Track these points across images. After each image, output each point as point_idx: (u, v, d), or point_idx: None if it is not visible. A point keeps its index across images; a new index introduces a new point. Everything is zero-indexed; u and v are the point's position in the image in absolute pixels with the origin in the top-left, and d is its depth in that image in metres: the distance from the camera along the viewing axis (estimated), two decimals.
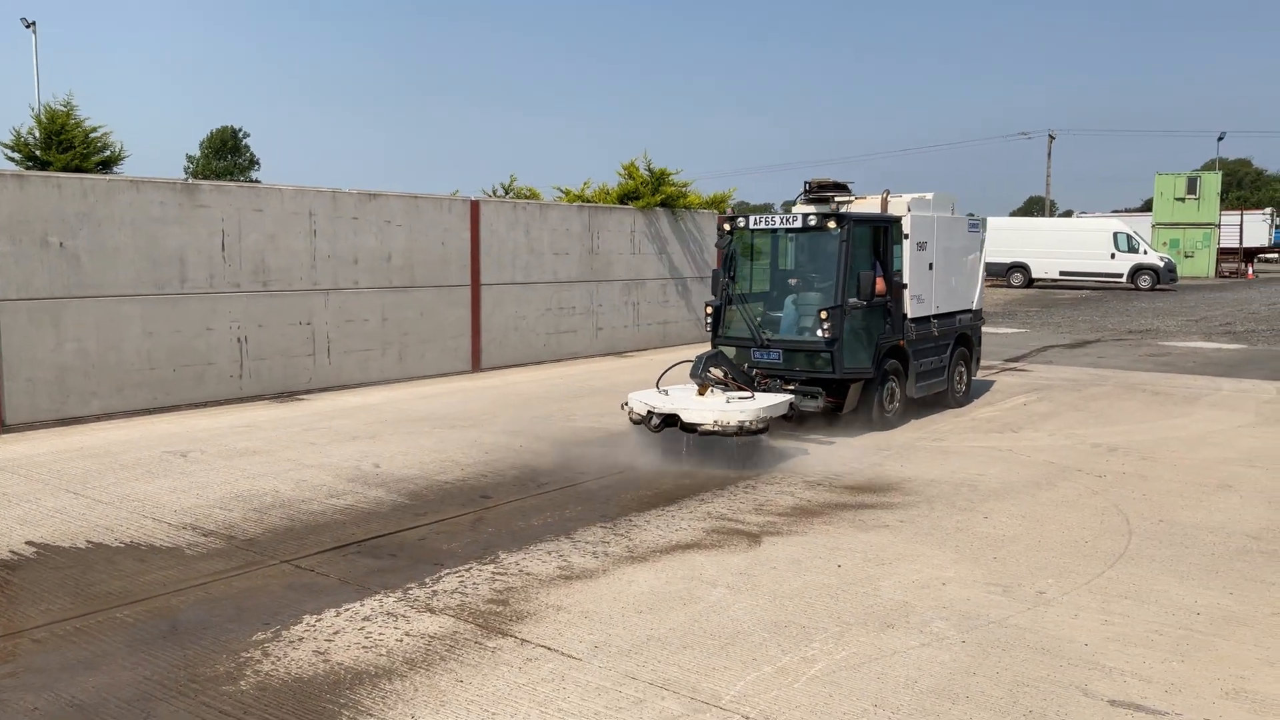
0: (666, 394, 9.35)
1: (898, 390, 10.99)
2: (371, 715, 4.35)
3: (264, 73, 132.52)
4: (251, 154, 74.29)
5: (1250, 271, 49.12)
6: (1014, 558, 6.50)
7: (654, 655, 4.97)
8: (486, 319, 15.68)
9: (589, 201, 18.47)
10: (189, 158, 73.44)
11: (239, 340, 12.47)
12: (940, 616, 5.47)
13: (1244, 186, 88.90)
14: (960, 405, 12.22)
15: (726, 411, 8.80)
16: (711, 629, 5.30)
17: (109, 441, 10.02)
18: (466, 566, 6.31)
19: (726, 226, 10.99)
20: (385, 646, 5.08)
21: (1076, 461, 9.28)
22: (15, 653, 5.07)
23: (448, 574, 6.17)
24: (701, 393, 9.32)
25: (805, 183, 11.56)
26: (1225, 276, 48.37)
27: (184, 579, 6.09)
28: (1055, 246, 38.61)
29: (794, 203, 11.68)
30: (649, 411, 9.00)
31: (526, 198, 18.44)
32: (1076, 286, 38.54)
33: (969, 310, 12.65)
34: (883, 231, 10.79)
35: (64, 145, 12.04)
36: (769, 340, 10.55)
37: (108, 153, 12.55)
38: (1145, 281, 37.10)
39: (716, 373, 9.88)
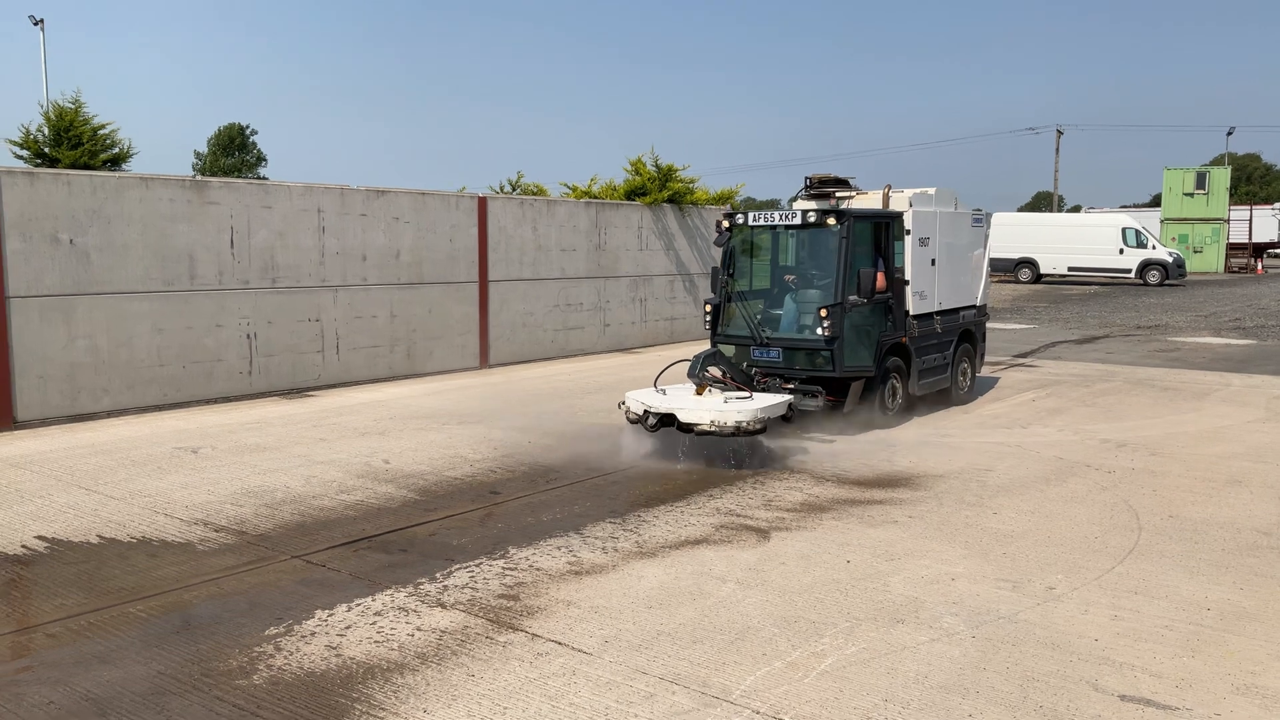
0: (664, 393, 9.28)
1: (900, 388, 10.91)
2: (384, 709, 4.38)
3: (271, 69, 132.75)
4: (259, 151, 74.47)
5: (1260, 267, 48.90)
6: (1023, 553, 6.50)
7: (664, 650, 4.98)
8: (494, 315, 15.71)
9: (596, 198, 18.47)
10: (196, 154, 73.69)
11: (248, 337, 12.51)
12: (950, 612, 5.48)
13: (1253, 181, 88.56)
14: (964, 402, 12.15)
15: (723, 411, 8.71)
16: (721, 624, 5.31)
17: (120, 438, 10.06)
18: (477, 562, 6.34)
19: (725, 223, 10.84)
20: (397, 641, 5.10)
21: (1085, 457, 9.27)
22: (30, 647, 5.11)
23: (458, 569, 6.20)
24: (699, 392, 9.28)
25: (806, 178, 11.46)
26: (1234, 272, 48.19)
27: (196, 574, 6.13)
28: (1063, 242, 38.53)
29: (796, 198, 11.62)
30: (645, 411, 8.94)
31: (534, 194, 18.46)
32: (1085, 282, 38.45)
33: (973, 306, 12.56)
34: (884, 227, 10.68)
35: (73, 142, 12.08)
36: (768, 338, 10.44)
37: (116, 150, 12.59)
38: (1154, 277, 36.99)
39: (715, 372, 9.82)
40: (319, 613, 5.48)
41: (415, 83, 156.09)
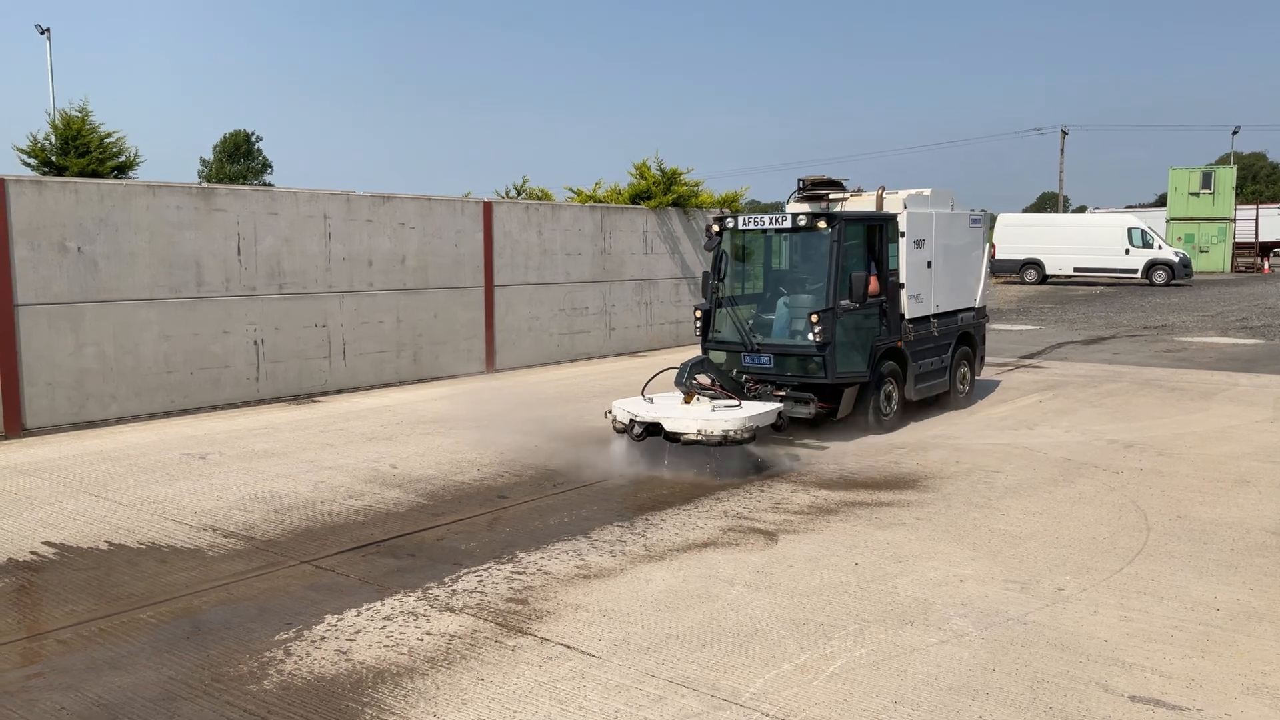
0: (651, 401, 9.11)
1: (895, 393, 10.67)
2: (394, 714, 4.39)
3: (276, 77, 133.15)
4: (264, 158, 74.71)
5: (1266, 266, 48.78)
6: (1032, 554, 6.49)
7: (673, 653, 4.99)
8: (500, 320, 15.74)
9: (601, 202, 18.50)
10: (202, 161, 73.91)
11: (255, 343, 12.55)
12: (959, 613, 5.47)
13: (1259, 180, 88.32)
14: (963, 406, 11.98)
15: (710, 420, 8.53)
16: (730, 627, 5.32)
17: (128, 444, 10.10)
18: (485, 566, 6.35)
19: (715, 227, 10.56)
20: (406, 645, 5.11)
21: (1093, 458, 9.25)
22: (41, 653, 5.13)
23: (467, 573, 6.21)
24: (687, 400, 9.15)
25: (799, 180, 11.29)
26: (1241, 271, 48.07)
27: (205, 580, 6.14)
28: (1069, 243, 38.46)
29: (789, 201, 11.46)
30: (631, 420, 8.78)
31: (539, 199, 18.50)
32: (1091, 283, 38.38)
33: (971, 308, 12.32)
34: (877, 230, 10.46)
35: (80, 151, 12.14)
36: (759, 344, 10.23)
37: (123, 158, 12.65)
38: (1160, 277, 36.90)
39: (704, 379, 9.63)
40: (328, 617, 5.50)
41: (420, 89, 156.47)
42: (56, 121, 12.40)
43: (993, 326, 21.66)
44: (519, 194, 19.14)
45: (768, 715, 4.34)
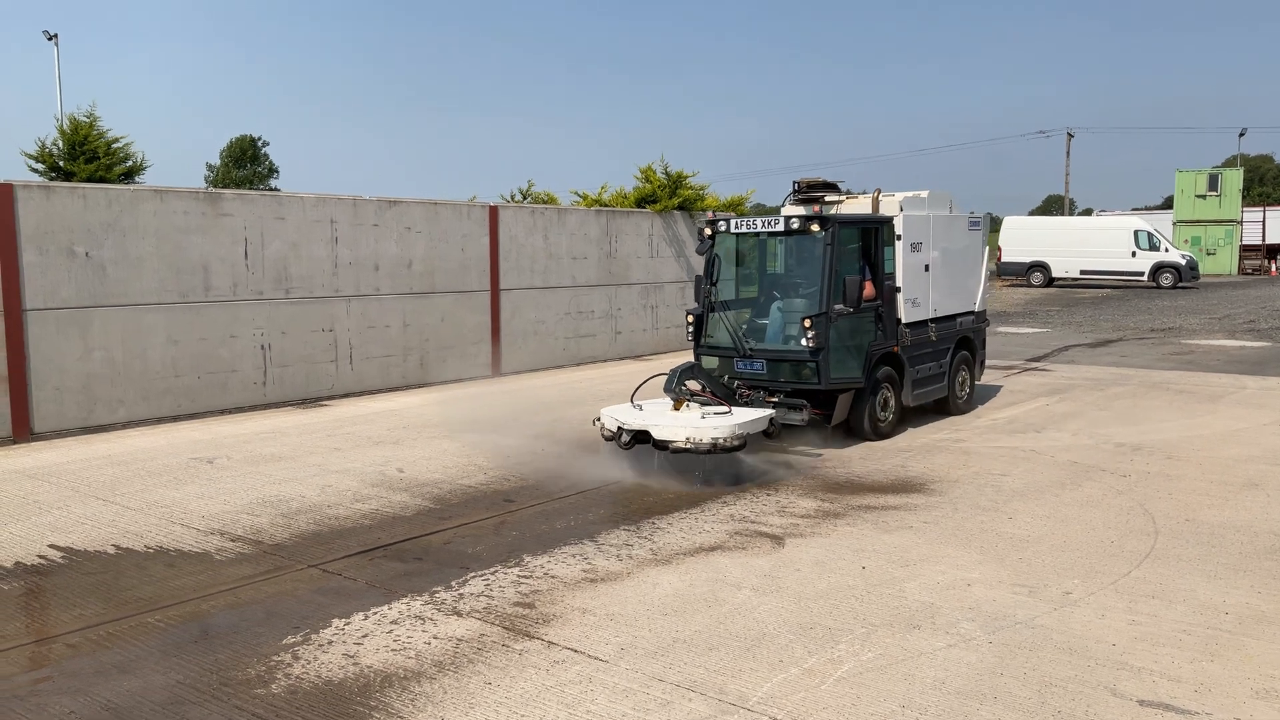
0: (640, 408, 8.96)
1: (892, 399, 10.47)
2: (402, 718, 4.39)
3: (282, 81, 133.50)
4: (271, 162, 74.95)
5: (1274, 268, 48.63)
6: (1039, 558, 6.48)
7: (680, 657, 4.98)
8: (506, 324, 15.75)
9: (606, 205, 18.52)
10: (209, 166, 74.17)
11: (262, 347, 12.58)
12: (966, 617, 5.46)
13: (1266, 183, 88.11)
14: (963, 412, 11.77)
15: (699, 428, 8.34)
16: (737, 631, 5.31)
17: (136, 449, 10.12)
18: (492, 570, 6.35)
19: (708, 230, 10.38)
20: (414, 649, 5.12)
21: (1100, 461, 9.23)
22: (50, 657, 5.15)
23: (473, 577, 6.21)
24: (677, 407, 8.97)
25: (794, 182, 11.12)
26: (1248, 274, 47.92)
27: (213, 584, 6.16)
28: (1075, 245, 38.37)
29: (784, 203, 11.31)
30: (619, 428, 8.61)
31: (544, 203, 18.52)
32: (1097, 285, 38.30)
33: (971, 312, 12.10)
34: (872, 233, 10.30)
35: (89, 156, 12.18)
36: (752, 350, 10.03)
37: (130, 163, 12.68)
38: (1167, 280, 36.81)
39: (695, 385, 9.49)
40: (336, 621, 5.51)
41: (426, 94, 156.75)
42: (64, 127, 12.44)
43: (999, 329, 21.64)
44: (525, 198, 19.16)
45: (775, 719, 4.33)
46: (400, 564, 6.52)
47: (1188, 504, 7.74)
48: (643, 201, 18.85)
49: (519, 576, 6.22)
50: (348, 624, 5.47)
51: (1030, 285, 38.62)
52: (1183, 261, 37.26)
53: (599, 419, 9.04)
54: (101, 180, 11.91)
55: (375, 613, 5.63)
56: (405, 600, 5.83)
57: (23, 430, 10.54)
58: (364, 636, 5.30)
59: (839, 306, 9.66)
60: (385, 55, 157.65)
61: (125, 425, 11.27)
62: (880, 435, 10.30)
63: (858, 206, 10.96)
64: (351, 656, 5.04)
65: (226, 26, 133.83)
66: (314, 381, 13.16)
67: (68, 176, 12.02)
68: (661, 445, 8.45)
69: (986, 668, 4.83)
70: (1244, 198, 50.42)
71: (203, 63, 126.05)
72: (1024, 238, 39.42)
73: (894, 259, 10.57)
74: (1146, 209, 61.31)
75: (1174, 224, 48.40)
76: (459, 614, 5.60)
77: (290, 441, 10.46)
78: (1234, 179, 48.84)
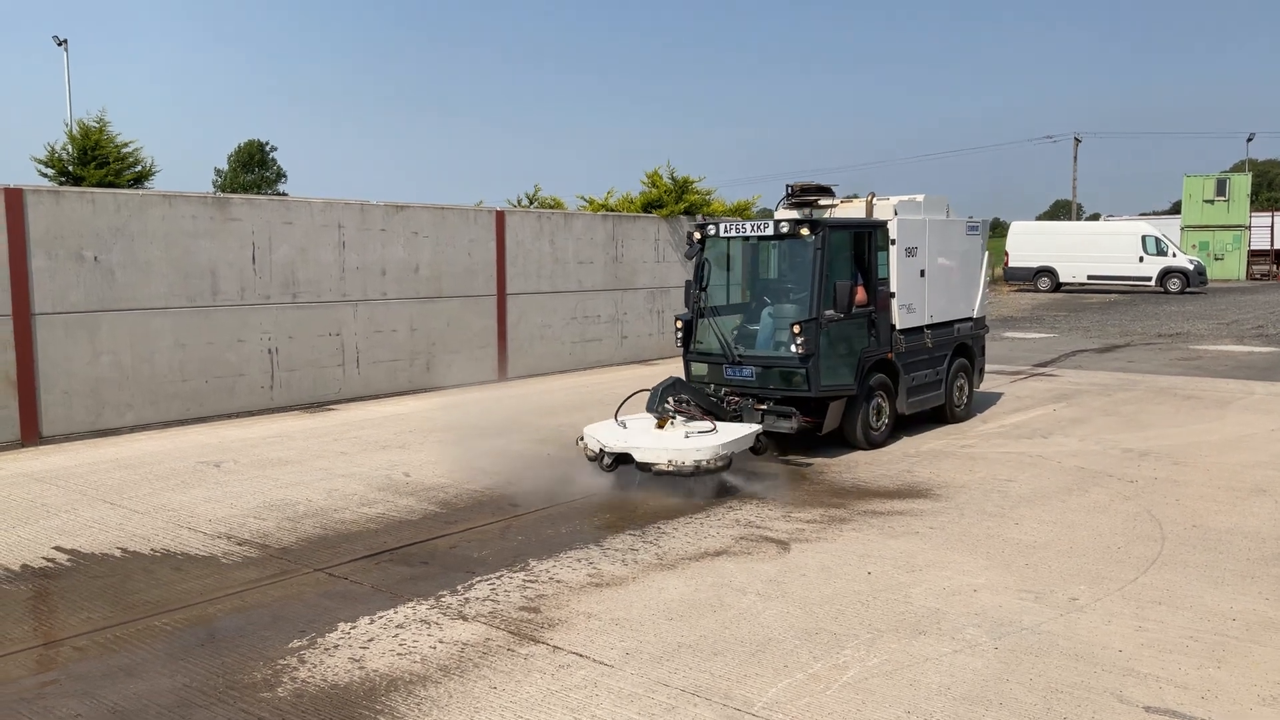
0: (624, 426, 8.68)
1: (886, 407, 10.27)
2: None
3: (289, 87, 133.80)
4: (279, 167, 75.10)
5: None
6: (1045, 564, 6.46)
7: (685, 662, 4.99)
8: (512, 328, 15.78)
9: (613, 210, 18.55)
10: (217, 171, 74.38)
11: (270, 352, 12.61)
12: (972, 623, 5.46)
13: (1274, 188, 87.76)
14: (960, 420, 11.58)
15: (682, 450, 8.04)
16: (742, 636, 5.31)
17: (144, 452, 10.16)
18: (498, 574, 6.36)
19: (697, 235, 10.20)
20: (419, 654, 5.13)
21: (1107, 467, 9.21)
22: (57, 660, 5.17)
23: (479, 581, 6.22)
24: (660, 425, 8.66)
25: (787, 186, 10.97)
26: (1256, 279, 47.74)
27: (220, 587, 6.18)
28: (1083, 250, 38.31)
29: (777, 208, 11.15)
30: (601, 449, 8.30)
31: (551, 207, 18.56)
32: (1105, 290, 38.21)
33: (969, 319, 11.84)
34: (865, 237, 10.09)
35: (99, 161, 12.25)
36: (741, 356, 9.83)
37: (140, 168, 12.77)
38: (1175, 285, 36.70)
39: (676, 403, 9.16)
40: (342, 625, 5.52)
41: (433, 98, 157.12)
42: (74, 132, 12.52)
43: (1006, 334, 21.61)
44: (531, 203, 19.21)
45: None
46: (406, 568, 6.53)
47: (1195, 510, 7.72)
48: (649, 206, 18.87)
49: (524, 581, 6.23)
50: (353, 628, 5.48)
51: (1037, 290, 38.54)
52: (1190, 266, 37.16)
53: (582, 438, 8.78)
54: (111, 185, 11.98)
55: (381, 617, 5.65)
56: (411, 604, 5.84)
57: (31, 434, 10.59)
58: (370, 640, 5.31)
59: (830, 312, 9.46)
60: (393, 61, 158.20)
61: (133, 429, 11.31)
62: (873, 444, 10.11)
63: (852, 210, 10.85)
64: (357, 660, 5.05)
65: (235, 32, 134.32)
66: (321, 386, 13.19)
67: (77, 181, 12.09)
68: (644, 467, 8.19)
69: (992, 673, 4.82)
70: (1252, 203, 50.25)
71: (211, 68, 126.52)
72: (1031, 243, 39.38)
73: (888, 264, 10.40)
74: (1154, 214, 61.19)
75: (1182, 229, 48.27)
76: (464, 618, 5.61)
77: (297, 445, 10.49)
78: (1242, 184, 48.68)
